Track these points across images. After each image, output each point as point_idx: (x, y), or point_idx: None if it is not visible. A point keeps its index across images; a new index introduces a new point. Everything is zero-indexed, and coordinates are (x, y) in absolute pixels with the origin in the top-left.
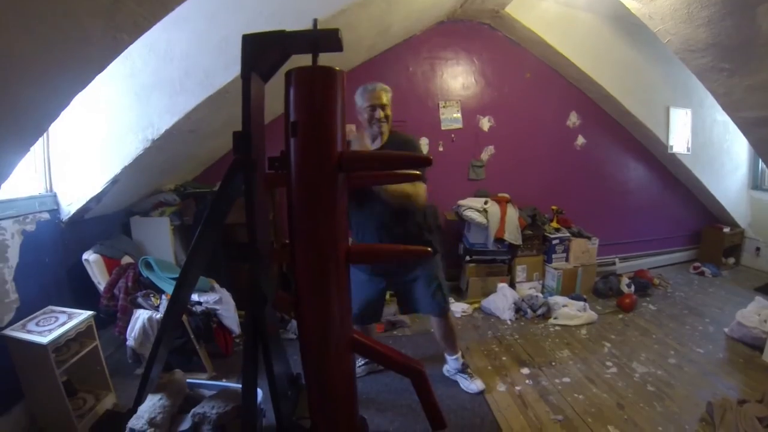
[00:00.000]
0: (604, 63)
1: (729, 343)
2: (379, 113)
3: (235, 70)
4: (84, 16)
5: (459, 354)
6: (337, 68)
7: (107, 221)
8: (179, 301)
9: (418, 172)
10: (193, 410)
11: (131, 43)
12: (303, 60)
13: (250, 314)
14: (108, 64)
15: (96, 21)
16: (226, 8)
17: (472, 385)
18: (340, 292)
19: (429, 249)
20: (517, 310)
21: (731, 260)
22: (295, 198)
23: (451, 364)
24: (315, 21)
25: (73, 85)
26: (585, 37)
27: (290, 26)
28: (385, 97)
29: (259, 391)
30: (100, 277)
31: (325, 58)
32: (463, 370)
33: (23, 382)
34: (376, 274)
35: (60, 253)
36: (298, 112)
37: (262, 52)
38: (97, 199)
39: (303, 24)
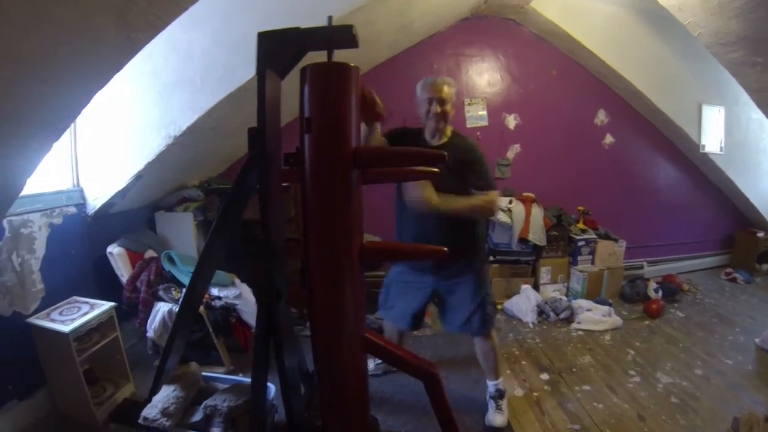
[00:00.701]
0: (633, 58)
1: (760, 354)
2: (436, 107)
3: (253, 67)
4: (94, 15)
5: (498, 381)
6: (352, 64)
7: (133, 216)
8: (194, 294)
9: (435, 170)
10: (204, 402)
11: (147, 42)
12: (321, 57)
13: (263, 309)
14: (125, 63)
15: (107, 20)
16: (242, 7)
17: (491, 416)
18: (353, 289)
19: (445, 249)
20: (540, 312)
21: (765, 266)
22: (308, 194)
23: (489, 388)
24: (330, 18)
25: (90, 83)
26: (613, 32)
27: (306, 23)
28: (447, 91)
29: (272, 387)
30: (123, 270)
31: (346, 55)
32: (495, 397)
33: (46, 368)
34: (422, 274)
35: (86, 245)
36: (312, 108)
37: (277, 49)
38: (121, 194)
39: (319, 21)
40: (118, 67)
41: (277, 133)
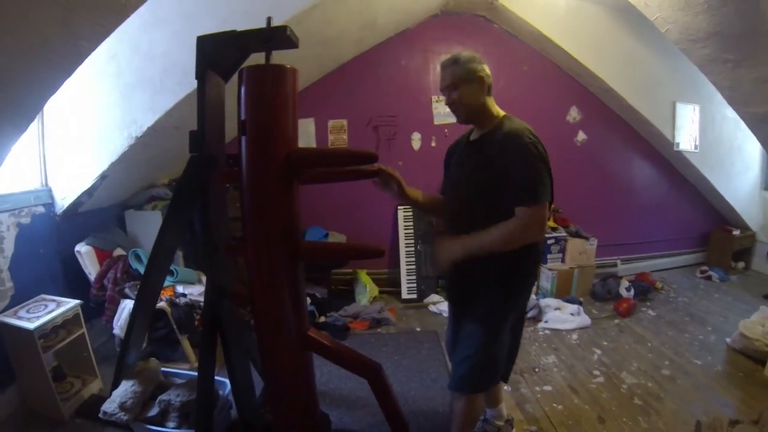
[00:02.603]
0: (606, 56)
1: (730, 354)
2: (446, 99)
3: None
4: (42, 26)
5: None
6: (289, 66)
7: (103, 214)
8: (147, 290)
9: (373, 168)
10: (159, 397)
11: (93, 49)
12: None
13: (207, 305)
14: (75, 69)
15: (54, 30)
16: (203, 8)
17: None
18: (292, 288)
19: (383, 249)
20: None
21: (741, 264)
22: (244, 194)
23: None
24: (269, 19)
25: (43, 89)
26: (585, 29)
27: (264, 23)
28: (450, 76)
29: (228, 383)
30: (91, 268)
31: (311, 53)
32: None
33: (15, 365)
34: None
35: (54, 244)
36: (247, 110)
37: (217, 52)
38: (88, 193)
39: (278, 21)
40: (68, 73)
41: (220, 134)
